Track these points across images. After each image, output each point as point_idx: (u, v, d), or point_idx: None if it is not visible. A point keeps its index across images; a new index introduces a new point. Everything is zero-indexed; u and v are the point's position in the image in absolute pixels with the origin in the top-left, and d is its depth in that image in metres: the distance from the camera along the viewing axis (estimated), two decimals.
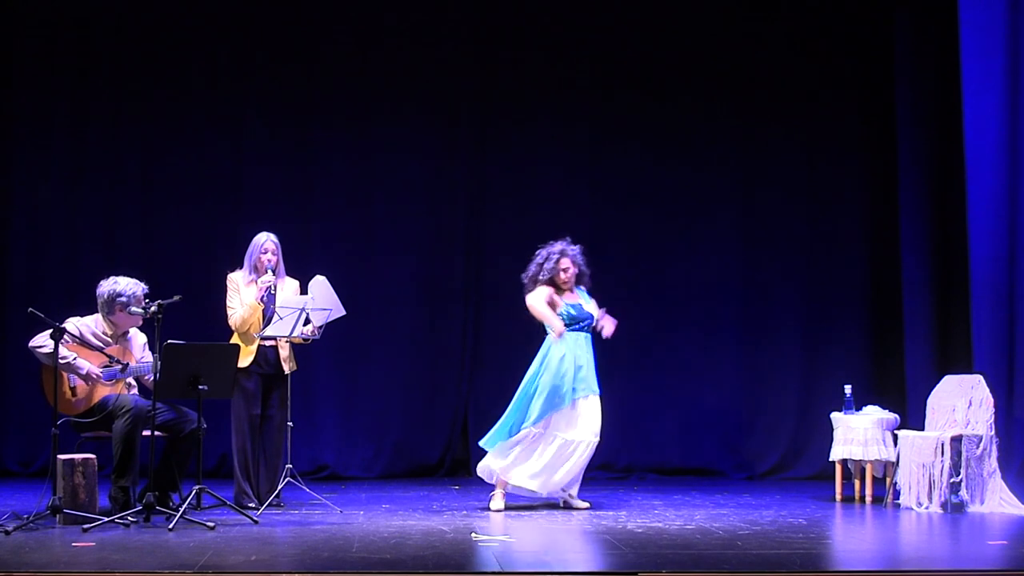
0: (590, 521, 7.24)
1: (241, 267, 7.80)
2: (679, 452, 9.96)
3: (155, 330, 6.95)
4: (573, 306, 7.79)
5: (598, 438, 7.71)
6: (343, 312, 7.80)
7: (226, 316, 7.71)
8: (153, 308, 7.02)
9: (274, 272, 7.72)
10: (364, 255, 9.94)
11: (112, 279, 7.45)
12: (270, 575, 5.47)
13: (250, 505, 7.46)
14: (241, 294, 7.68)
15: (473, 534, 6.56)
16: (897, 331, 9.67)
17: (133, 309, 7.32)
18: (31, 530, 6.54)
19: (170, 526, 6.56)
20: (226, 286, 7.74)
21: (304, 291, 7.74)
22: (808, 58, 10.11)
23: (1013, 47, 8.20)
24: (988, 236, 8.26)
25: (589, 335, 7.84)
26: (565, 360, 7.68)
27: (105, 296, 7.41)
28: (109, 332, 7.43)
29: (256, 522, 6.92)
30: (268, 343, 7.69)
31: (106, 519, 6.69)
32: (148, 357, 7.47)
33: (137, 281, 7.46)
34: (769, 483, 9.56)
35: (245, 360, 7.61)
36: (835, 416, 8.42)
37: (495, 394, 9.86)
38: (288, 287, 7.79)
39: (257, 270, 7.74)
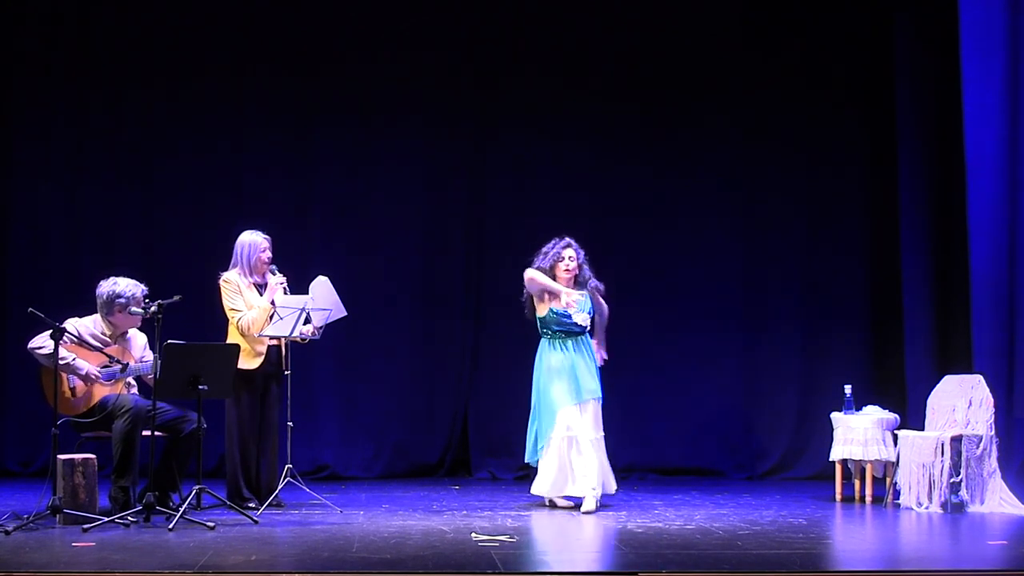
0: (590, 521, 7.24)
1: (232, 267, 7.74)
2: (679, 452, 9.96)
3: (155, 330, 6.95)
4: (561, 313, 7.77)
5: (597, 435, 7.74)
6: (344, 313, 7.80)
7: (226, 317, 7.69)
8: (153, 308, 7.02)
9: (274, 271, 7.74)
10: (364, 256, 9.93)
11: (112, 280, 7.44)
12: (270, 575, 5.47)
13: (250, 505, 7.46)
14: (244, 296, 7.66)
15: (473, 534, 6.56)
16: (897, 331, 9.66)
17: (133, 309, 7.32)
18: (31, 530, 6.54)
19: (170, 526, 6.56)
20: (220, 288, 7.68)
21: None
22: (807, 59, 10.10)
23: (1013, 47, 8.20)
24: (988, 236, 8.26)
25: (582, 338, 7.85)
26: (558, 366, 7.77)
27: (104, 297, 7.41)
28: (108, 332, 7.42)
29: (256, 522, 6.92)
30: (273, 342, 7.68)
31: (106, 519, 6.69)
32: (149, 356, 7.47)
33: (137, 282, 7.45)
34: (769, 483, 9.56)
35: (255, 362, 7.59)
36: (835, 416, 8.42)
37: (495, 394, 9.89)
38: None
39: (256, 270, 7.72)
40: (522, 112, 10.08)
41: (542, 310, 7.84)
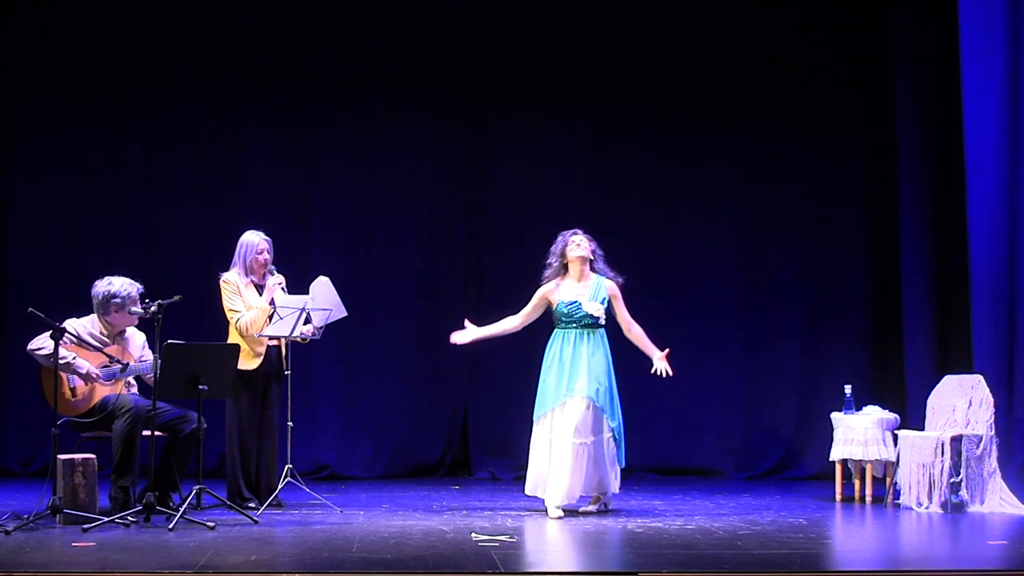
0: (590, 521, 7.23)
1: (231, 267, 7.73)
2: (679, 452, 9.96)
3: (155, 330, 6.95)
4: (569, 303, 7.50)
5: (578, 439, 7.30)
6: (344, 313, 7.79)
7: (226, 317, 7.68)
8: (153, 308, 7.02)
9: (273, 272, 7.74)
10: (364, 255, 9.95)
11: (106, 279, 7.44)
12: (270, 575, 5.47)
13: (250, 505, 7.46)
14: (243, 296, 7.66)
15: (473, 534, 6.56)
16: (897, 331, 9.67)
17: (133, 309, 7.32)
18: (31, 530, 6.54)
19: (170, 526, 6.56)
20: (220, 288, 7.68)
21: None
22: (808, 58, 10.10)
23: (1013, 47, 8.20)
24: (988, 236, 8.27)
25: (594, 332, 7.47)
26: (554, 359, 7.49)
27: (100, 297, 7.40)
28: (106, 332, 7.42)
29: (256, 522, 6.92)
30: (272, 343, 7.68)
31: (106, 519, 6.69)
32: (148, 356, 7.47)
33: (132, 281, 7.45)
34: (769, 483, 9.56)
35: (253, 363, 7.58)
36: (835, 416, 8.42)
37: (495, 394, 9.90)
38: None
39: (253, 271, 7.71)
40: (522, 107, 10.09)
41: (553, 305, 7.57)
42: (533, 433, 7.55)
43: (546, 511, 7.35)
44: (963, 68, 8.41)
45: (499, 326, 7.78)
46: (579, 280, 7.59)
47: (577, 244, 7.59)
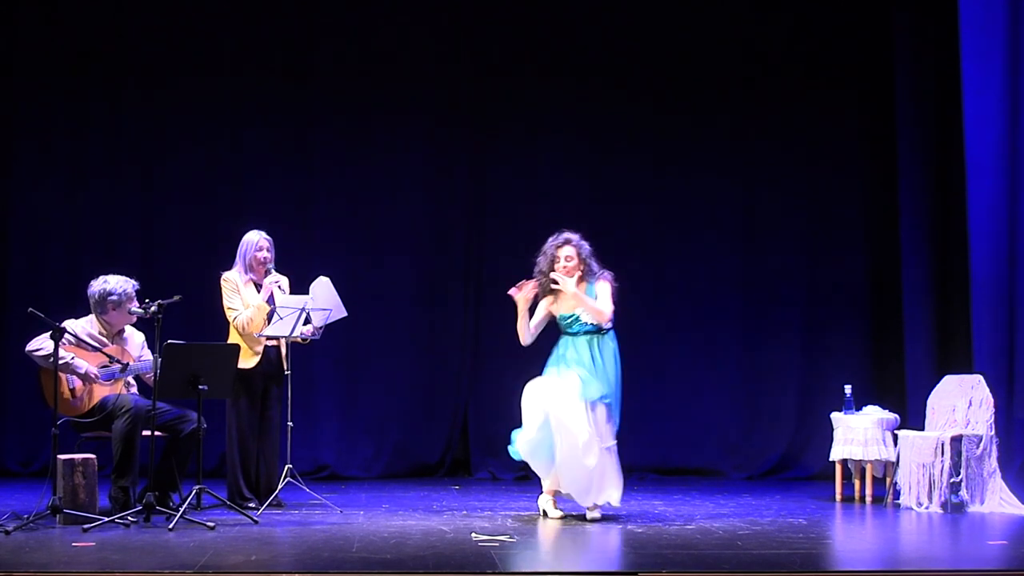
0: (591, 521, 7.23)
1: (233, 266, 7.73)
2: (679, 452, 9.96)
3: (155, 330, 6.95)
4: (568, 316, 7.33)
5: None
6: (344, 313, 7.80)
7: (225, 316, 7.68)
8: (153, 308, 7.02)
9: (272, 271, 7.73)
10: (364, 255, 9.95)
11: (102, 278, 7.44)
12: (270, 575, 5.47)
13: (250, 505, 7.46)
14: (242, 294, 7.66)
15: (473, 534, 6.56)
16: (897, 331, 9.67)
17: (132, 308, 7.32)
18: (31, 530, 6.54)
19: (170, 526, 6.56)
20: (220, 286, 7.68)
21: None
22: (807, 59, 10.11)
23: (1013, 47, 8.21)
24: (988, 236, 8.27)
25: (601, 336, 7.30)
26: (559, 358, 7.32)
27: (96, 296, 7.40)
28: (104, 332, 7.42)
29: (256, 522, 6.91)
30: (271, 343, 7.68)
31: (106, 519, 6.69)
32: (147, 355, 7.47)
33: (127, 279, 7.45)
34: (769, 483, 9.56)
35: (251, 362, 7.58)
36: (835, 416, 8.42)
37: (495, 394, 9.87)
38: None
39: (252, 269, 7.71)
40: (521, 111, 10.09)
41: (555, 316, 7.44)
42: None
43: (545, 512, 7.34)
44: (963, 68, 8.41)
45: (529, 323, 7.42)
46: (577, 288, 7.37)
47: (567, 259, 7.34)
